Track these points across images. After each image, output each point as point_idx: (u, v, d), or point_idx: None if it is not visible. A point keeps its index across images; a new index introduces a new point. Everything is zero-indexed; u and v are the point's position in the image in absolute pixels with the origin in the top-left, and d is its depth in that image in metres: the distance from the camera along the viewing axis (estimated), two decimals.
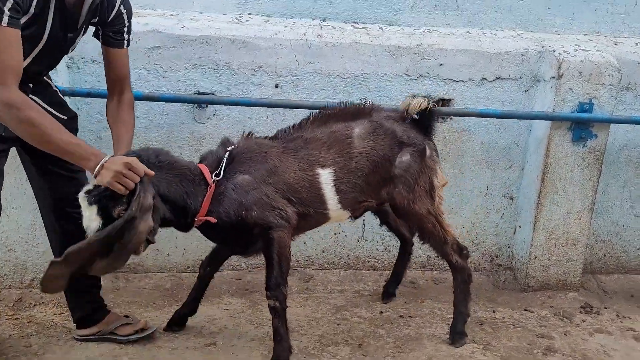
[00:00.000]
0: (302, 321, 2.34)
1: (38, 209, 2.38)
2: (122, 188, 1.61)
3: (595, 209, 2.78)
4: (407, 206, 2.09)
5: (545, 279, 2.76)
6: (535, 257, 2.74)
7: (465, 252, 2.21)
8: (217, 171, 1.86)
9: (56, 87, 1.92)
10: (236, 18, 2.63)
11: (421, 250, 2.87)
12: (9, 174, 2.34)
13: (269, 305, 1.92)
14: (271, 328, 1.97)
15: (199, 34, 2.45)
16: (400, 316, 2.45)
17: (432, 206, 2.12)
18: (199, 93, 2.50)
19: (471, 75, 2.67)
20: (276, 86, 2.57)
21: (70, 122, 1.89)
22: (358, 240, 2.80)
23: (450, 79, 2.66)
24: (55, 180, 1.91)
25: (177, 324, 2.22)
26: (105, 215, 1.62)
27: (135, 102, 1.97)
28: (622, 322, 2.53)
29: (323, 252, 2.79)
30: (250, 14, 2.68)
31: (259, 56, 2.52)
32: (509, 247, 2.91)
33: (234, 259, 2.72)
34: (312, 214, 1.97)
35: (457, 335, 2.21)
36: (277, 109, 2.56)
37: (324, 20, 2.71)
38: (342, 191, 1.99)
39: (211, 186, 1.84)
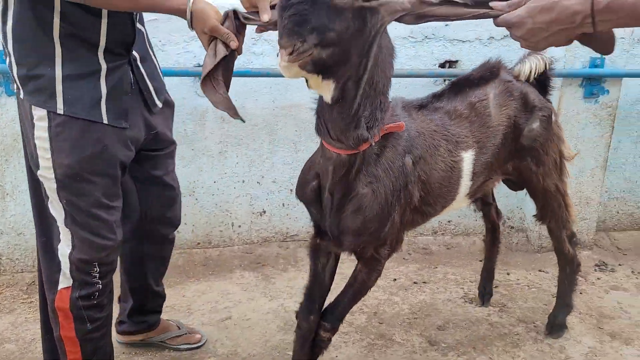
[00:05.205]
0: None
1: None
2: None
3: (608, 166, 2.73)
4: (537, 182, 1.78)
5: None
6: None
7: (574, 239, 1.99)
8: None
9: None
10: None
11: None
12: (12, 157, 2.31)
13: (323, 337, 1.61)
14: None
15: None
16: (414, 282, 2.44)
17: (560, 182, 1.84)
18: (199, 66, 2.43)
19: (478, 34, 2.59)
20: (278, 55, 2.50)
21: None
22: None
23: (457, 40, 2.58)
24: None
25: None
26: None
27: None
28: (637, 278, 2.51)
29: None
30: None
31: None
32: (521, 208, 2.87)
33: (243, 232, 2.70)
34: (430, 214, 1.58)
35: (557, 327, 2.03)
36: (279, 80, 2.49)
37: None
38: (476, 175, 1.61)
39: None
